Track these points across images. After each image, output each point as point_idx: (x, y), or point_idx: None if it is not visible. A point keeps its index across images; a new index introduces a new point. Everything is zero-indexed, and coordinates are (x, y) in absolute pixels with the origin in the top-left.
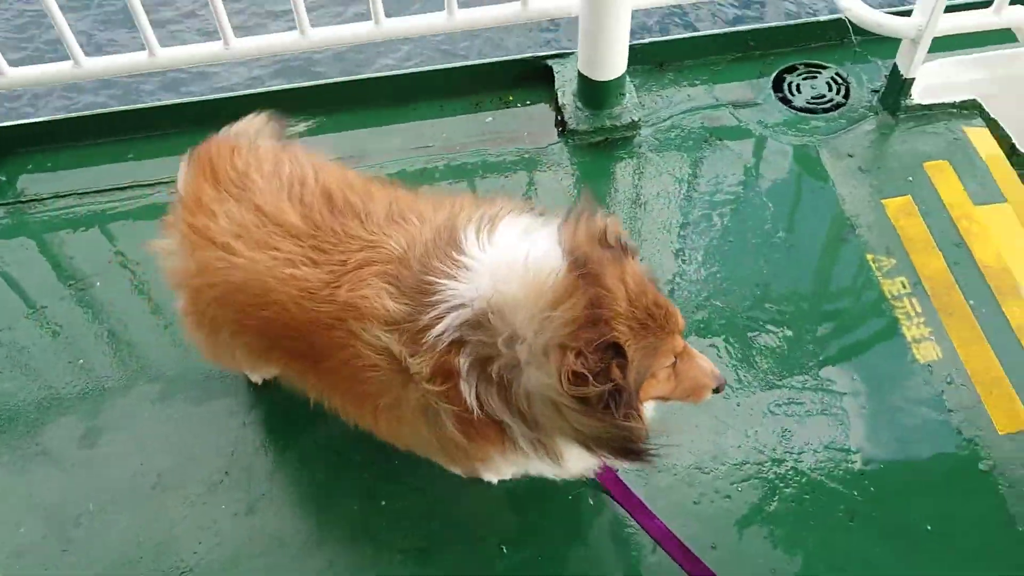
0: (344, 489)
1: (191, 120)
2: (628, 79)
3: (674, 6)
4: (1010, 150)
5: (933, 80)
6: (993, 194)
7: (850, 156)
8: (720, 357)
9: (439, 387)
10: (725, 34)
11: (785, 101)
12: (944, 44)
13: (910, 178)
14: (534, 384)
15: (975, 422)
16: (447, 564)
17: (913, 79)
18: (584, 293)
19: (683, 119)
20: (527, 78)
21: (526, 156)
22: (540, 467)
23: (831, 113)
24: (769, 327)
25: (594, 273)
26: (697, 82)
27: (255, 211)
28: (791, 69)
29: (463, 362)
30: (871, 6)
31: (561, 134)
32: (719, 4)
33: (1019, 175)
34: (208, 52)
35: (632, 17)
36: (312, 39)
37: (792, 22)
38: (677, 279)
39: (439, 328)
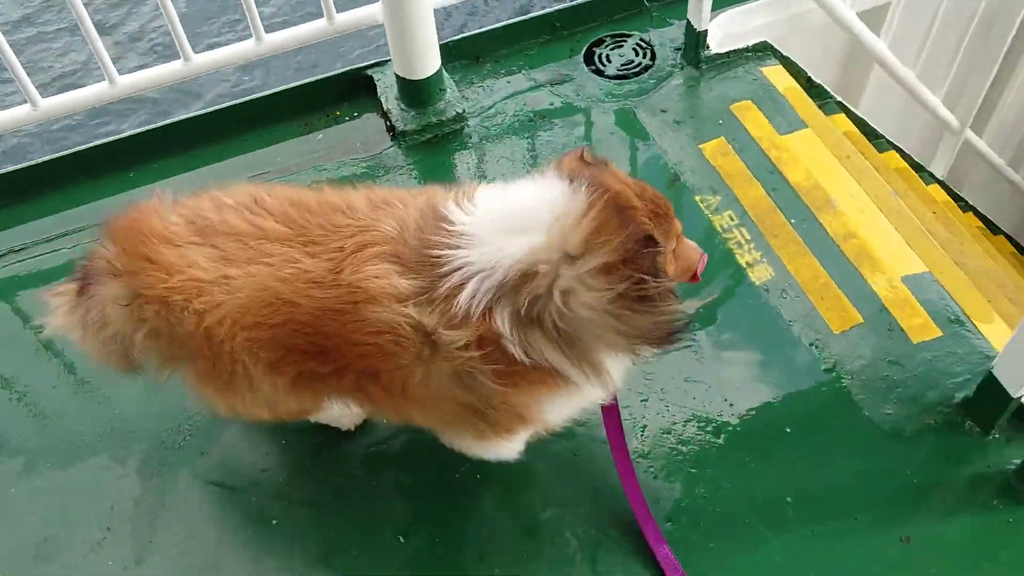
0: (233, 517)
1: None
2: (446, 75)
3: None
4: (807, 82)
5: (726, 30)
6: (795, 123)
7: (663, 112)
8: None
9: (478, 352)
10: (533, 19)
11: (598, 72)
12: None
13: (720, 121)
14: (587, 307)
15: (813, 327)
16: (350, 565)
17: (706, 31)
18: (603, 201)
19: (506, 105)
20: (352, 90)
21: (363, 164)
22: (587, 396)
23: (641, 76)
24: None
25: (600, 182)
26: (514, 68)
27: (230, 237)
28: (599, 42)
29: (502, 320)
30: None
31: (393, 138)
32: None
33: (817, 103)
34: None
35: (450, 14)
36: (121, 86)
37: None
38: None
39: (467, 296)
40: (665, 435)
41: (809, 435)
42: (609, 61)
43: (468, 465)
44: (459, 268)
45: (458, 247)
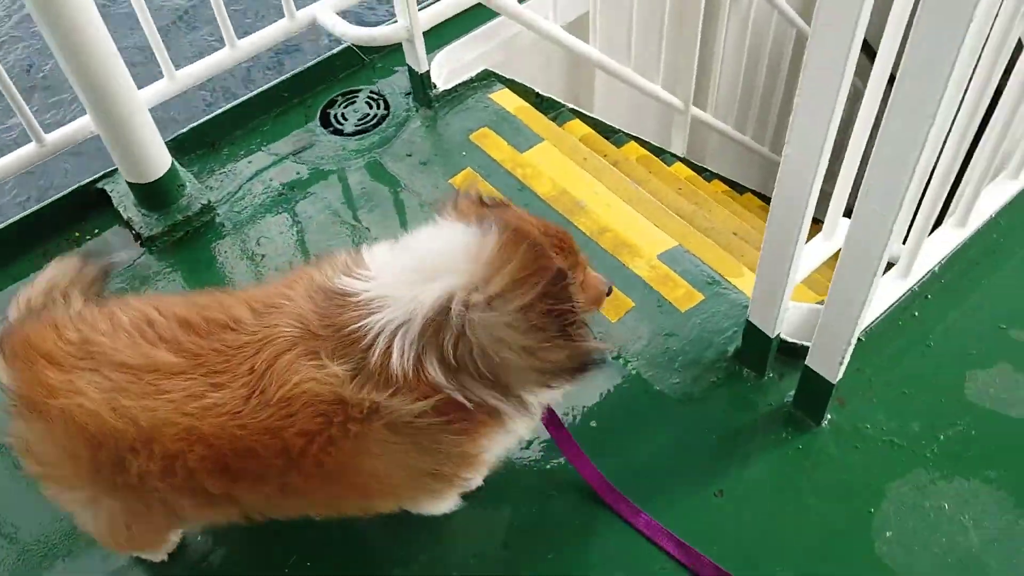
0: None
1: None
2: (182, 169)
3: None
4: (536, 98)
5: (447, 67)
6: (532, 138)
7: (408, 156)
8: None
9: (437, 416)
10: (259, 95)
11: (338, 132)
12: (449, 31)
13: (464, 153)
14: (506, 346)
15: (592, 323)
16: None
17: (428, 72)
18: (515, 240)
19: (253, 185)
20: (87, 207)
21: (117, 281)
22: (520, 428)
23: (380, 126)
24: None
25: (507, 222)
26: (253, 147)
27: (121, 369)
28: (331, 103)
29: (433, 370)
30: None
31: (142, 245)
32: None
33: (551, 115)
34: None
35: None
36: None
37: (312, 62)
38: None
39: (396, 356)
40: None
41: (613, 423)
42: (346, 119)
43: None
44: (380, 332)
45: (371, 313)
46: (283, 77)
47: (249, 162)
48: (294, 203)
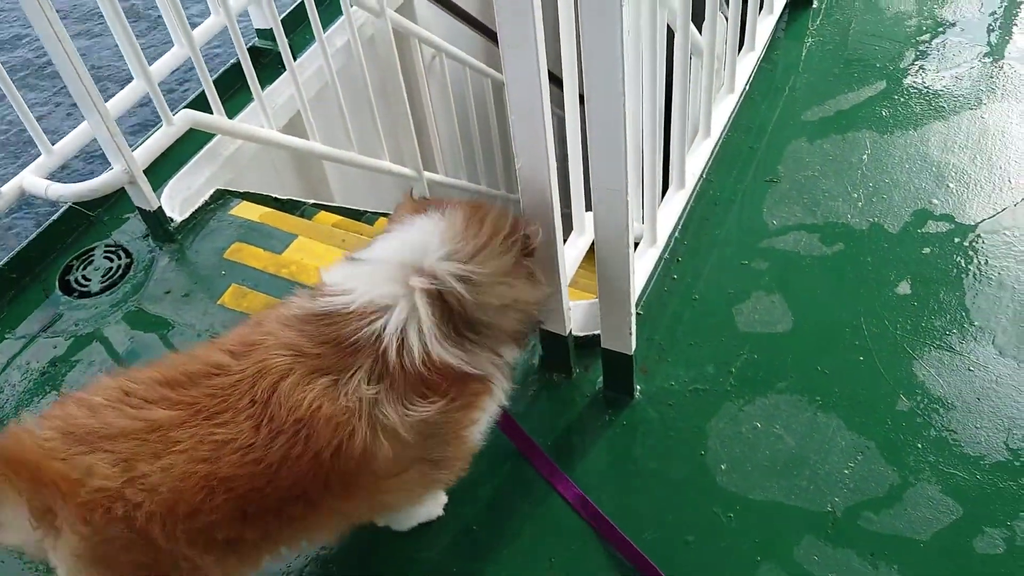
0: None
1: None
2: None
3: None
4: (275, 202)
5: (178, 198)
6: (285, 239)
7: (168, 293)
8: None
9: (444, 392)
10: None
11: (86, 295)
12: (169, 163)
13: (223, 272)
14: (497, 299)
15: None
16: None
17: (160, 208)
18: (471, 208)
19: (10, 375)
20: None
21: None
22: (497, 399)
23: (128, 275)
24: None
25: (460, 202)
26: None
27: (122, 438)
28: (67, 269)
29: (444, 351)
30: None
31: None
32: None
33: (296, 215)
34: None
35: None
36: None
37: (30, 238)
38: None
39: (408, 351)
40: None
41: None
42: (88, 279)
43: None
44: (385, 333)
45: (369, 317)
46: (5, 259)
47: None
48: (61, 378)
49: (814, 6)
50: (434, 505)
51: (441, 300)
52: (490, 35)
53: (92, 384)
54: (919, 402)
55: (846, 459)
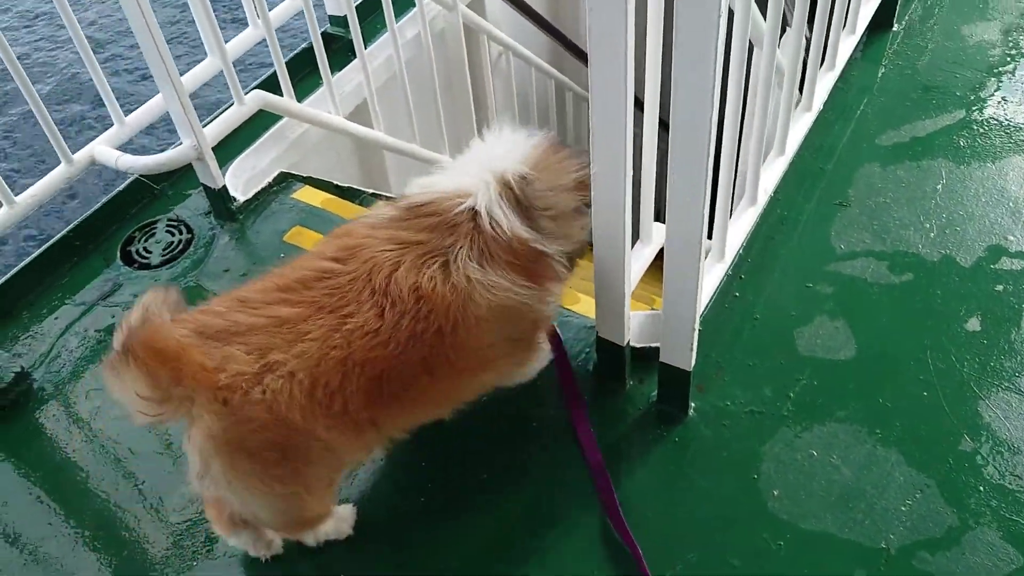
0: None
1: None
2: None
3: None
4: (336, 189)
5: (243, 177)
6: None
7: (227, 271)
8: None
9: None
10: (47, 251)
11: (145, 267)
12: (236, 142)
13: (282, 255)
14: (564, 206)
15: None
16: None
17: (225, 187)
18: (555, 147)
19: (67, 340)
20: None
21: None
22: (562, 286)
23: (188, 251)
24: None
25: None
26: (55, 303)
27: (254, 333)
28: (129, 240)
29: (525, 231)
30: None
31: None
32: None
33: (356, 203)
34: None
35: None
36: None
37: (99, 203)
38: None
39: (499, 227)
40: None
41: (493, 466)
42: (149, 252)
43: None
44: (477, 213)
45: (460, 202)
46: (71, 225)
47: (56, 318)
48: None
49: (894, 29)
50: (540, 360)
51: (519, 193)
52: (557, 35)
53: (206, 302)
54: (983, 444)
55: (904, 496)
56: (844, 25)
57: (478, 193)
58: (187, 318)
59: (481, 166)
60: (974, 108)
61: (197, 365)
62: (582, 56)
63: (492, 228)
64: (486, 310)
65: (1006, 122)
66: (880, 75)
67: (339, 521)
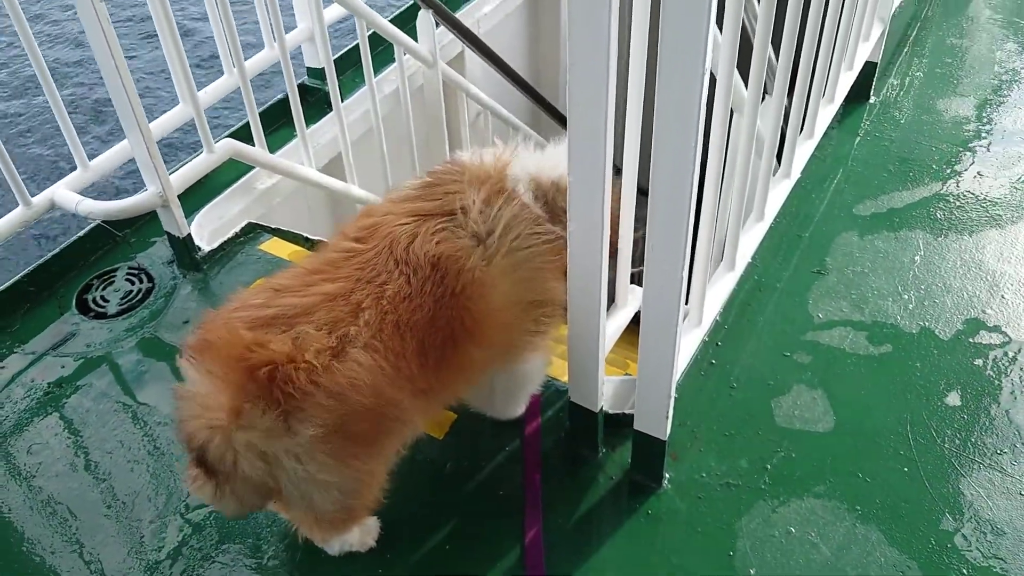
0: None
1: None
2: None
3: None
4: (306, 241)
5: (209, 227)
6: None
7: (186, 323)
8: None
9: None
10: (1, 292)
11: (101, 316)
12: (203, 192)
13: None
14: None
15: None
16: None
17: (190, 234)
18: None
19: (12, 391)
20: None
21: None
22: None
23: (148, 300)
24: None
25: None
26: (3, 350)
27: (312, 312)
28: (87, 288)
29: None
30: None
31: None
32: None
33: None
34: None
35: None
36: None
37: (57, 248)
38: None
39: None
40: None
41: (464, 529)
42: (107, 301)
43: None
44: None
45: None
46: (26, 271)
47: (2, 367)
48: (64, 400)
49: (871, 101)
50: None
51: (542, 191)
52: (536, 97)
53: (236, 297)
54: (966, 523)
55: None
56: (823, 94)
57: (509, 168)
58: (235, 316)
59: (520, 160)
60: (950, 181)
61: (272, 350)
62: (560, 119)
63: (514, 198)
64: (498, 272)
65: (982, 196)
66: (855, 145)
67: (364, 533)
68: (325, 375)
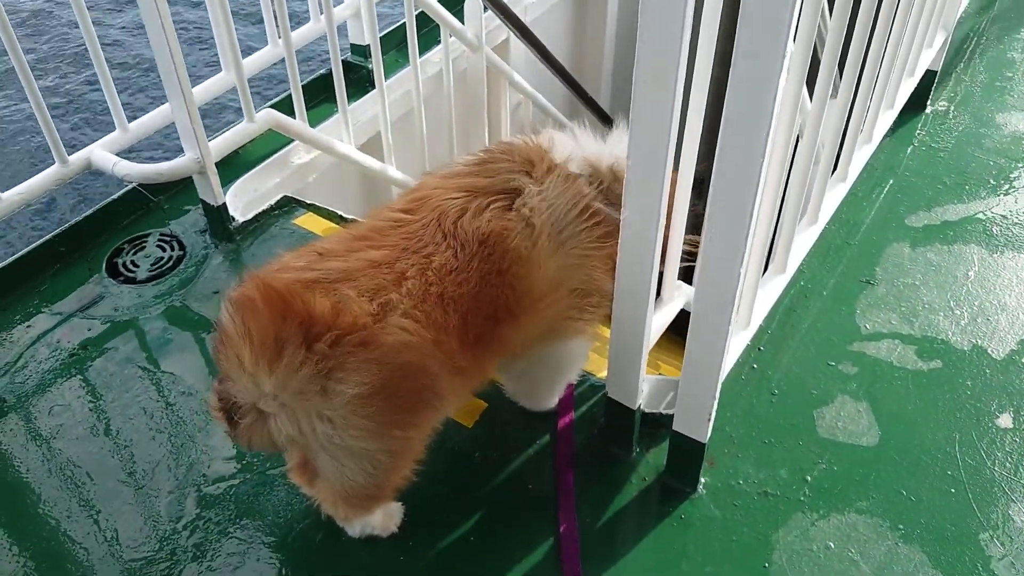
0: None
1: None
2: None
3: None
4: (339, 219)
5: (244, 198)
6: None
7: (216, 293)
8: None
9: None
10: (30, 253)
11: (130, 281)
12: (240, 161)
13: None
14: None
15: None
16: None
17: (225, 204)
18: None
19: (36, 351)
20: None
21: None
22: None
23: (178, 268)
24: None
25: None
26: (31, 310)
27: (358, 275)
28: (117, 251)
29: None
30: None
31: None
32: None
33: None
34: None
35: None
36: None
37: (90, 210)
38: None
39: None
40: None
41: (492, 527)
42: (137, 266)
43: None
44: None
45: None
46: (58, 230)
47: (29, 326)
48: (88, 363)
49: (927, 111)
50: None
51: (599, 176)
52: (577, 90)
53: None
54: (1014, 549)
55: None
56: (884, 99)
57: (565, 152)
58: (281, 274)
59: (577, 145)
60: (1008, 197)
61: (326, 308)
62: (599, 113)
63: (569, 182)
64: (545, 254)
65: None
66: (908, 155)
67: (387, 517)
68: (367, 334)
